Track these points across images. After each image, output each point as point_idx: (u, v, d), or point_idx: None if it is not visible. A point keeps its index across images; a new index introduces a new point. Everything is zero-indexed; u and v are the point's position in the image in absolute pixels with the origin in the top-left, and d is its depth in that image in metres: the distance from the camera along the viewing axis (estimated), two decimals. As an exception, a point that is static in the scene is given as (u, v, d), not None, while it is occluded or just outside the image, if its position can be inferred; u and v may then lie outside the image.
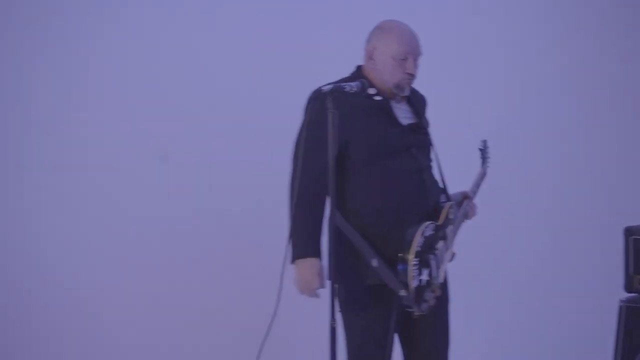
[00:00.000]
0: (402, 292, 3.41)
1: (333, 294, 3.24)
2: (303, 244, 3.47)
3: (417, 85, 3.65)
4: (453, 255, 3.66)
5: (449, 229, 3.60)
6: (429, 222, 3.49)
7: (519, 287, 4.89)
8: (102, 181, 4.91)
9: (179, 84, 4.94)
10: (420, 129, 3.65)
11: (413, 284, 3.41)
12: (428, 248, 3.48)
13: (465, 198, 3.78)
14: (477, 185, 3.89)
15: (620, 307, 4.06)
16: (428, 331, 3.61)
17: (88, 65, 4.93)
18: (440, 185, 3.69)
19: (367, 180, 3.52)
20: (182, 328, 4.95)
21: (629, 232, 4.07)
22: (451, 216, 3.61)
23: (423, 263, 3.45)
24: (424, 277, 3.46)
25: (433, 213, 3.56)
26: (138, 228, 4.91)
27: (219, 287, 4.93)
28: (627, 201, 4.81)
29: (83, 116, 4.92)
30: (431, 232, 3.49)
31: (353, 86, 3.27)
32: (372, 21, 4.90)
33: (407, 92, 3.60)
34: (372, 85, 3.54)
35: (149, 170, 4.92)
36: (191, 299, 4.94)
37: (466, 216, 3.76)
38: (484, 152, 4.00)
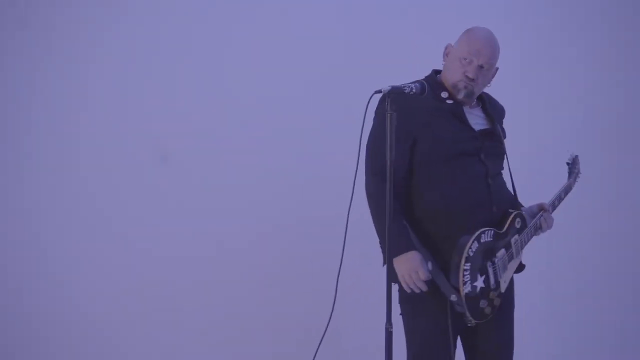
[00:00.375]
0: (453, 297, 3.42)
1: (389, 298, 3.22)
2: (395, 242, 3.40)
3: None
4: (522, 266, 3.63)
5: (514, 239, 3.56)
6: (487, 229, 3.47)
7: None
8: (102, 181, 4.90)
9: (180, 84, 4.93)
10: (492, 135, 3.63)
11: (464, 289, 3.40)
12: (485, 255, 3.46)
13: (540, 210, 3.71)
14: (559, 198, 3.81)
15: None
16: (490, 338, 3.60)
17: (88, 65, 4.91)
18: (514, 195, 3.67)
19: (431, 181, 3.54)
20: (183, 330, 4.95)
21: None
22: (518, 225, 3.58)
23: (478, 269, 3.44)
24: (480, 284, 3.44)
25: (497, 220, 3.54)
26: (139, 228, 4.90)
27: (221, 289, 4.93)
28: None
29: (83, 116, 4.91)
30: (490, 239, 3.47)
31: (413, 87, 3.27)
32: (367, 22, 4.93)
33: (461, 95, 3.57)
34: (444, 89, 3.58)
35: (149, 170, 4.91)
36: (190, 299, 4.94)
37: (539, 228, 3.69)
38: (572, 166, 3.94)
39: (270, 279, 4.92)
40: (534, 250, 4.47)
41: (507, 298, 3.61)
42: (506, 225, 3.54)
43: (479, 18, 4.76)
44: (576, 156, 3.98)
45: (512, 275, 3.60)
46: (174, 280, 4.92)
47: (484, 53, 3.55)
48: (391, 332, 3.19)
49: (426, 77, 3.62)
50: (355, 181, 3.37)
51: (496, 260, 3.50)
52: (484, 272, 3.46)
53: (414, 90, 3.26)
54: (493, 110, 3.71)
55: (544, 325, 5.00)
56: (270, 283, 4.91)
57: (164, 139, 4.92)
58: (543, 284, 4.98)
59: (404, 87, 3.26)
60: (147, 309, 4.91)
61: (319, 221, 4.80)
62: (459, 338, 3.62)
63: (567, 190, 3.87)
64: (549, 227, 3.71)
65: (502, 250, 3.53)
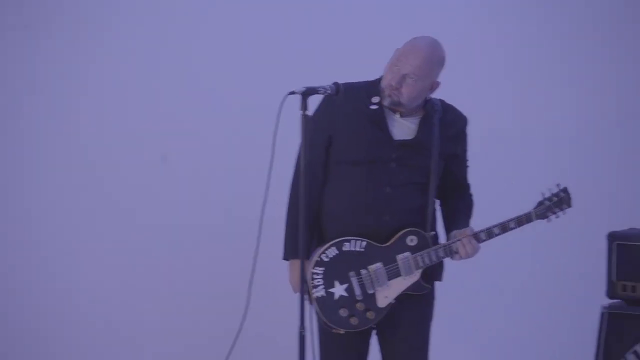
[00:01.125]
0: (306, 298, 3.40)
1: (303, 300, 3.24)
2: (289, 244, 3.56)
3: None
4: (421, 286, 3.47)
5: (401, 256, 3.45)
6: (355, 238, 3.45)
7: (501, 290, 4.85)
8: (101, 181, 4.94)
9: (180, 84, 4.95)
10: (415, 147, 3.50)
11: (314, 293, 3.44)
12: (348, 264, 3.44)
13: (463, 235, 3.46)
14: (504, 227, 3.46)
15: (602, 314, 3.96)
16: (399, 343, 3.56)
17: (88, 66, 4.95)
18: (425, 210, 3.52)
19: (335, 182, 3.54)
20: (187, 326, 4.97)
21: (612, 237, 3.95)
22: (411, 243, 3.46)
23: (336, 277, 3.44)
24: (339, 292, 3.44)
25: (389, 231, 3.47)
26: (138, 228, 4.92)
27: (222, 289, 4.93)
28: (611, 206, 4.77)
29: (83, 116, 4.95)
30: (359, 249, 3.44)
31: (327, 88, 3.27)
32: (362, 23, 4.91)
33: (386, 102, 3.49)
34: (378, 93, 3.53)
35: (149, 170, 4.93)
36: (191, 299, 4.95)
37: (455, 252, 3.46)
38: (547, 199, 3.51)
39: (270, 278, 4.91)
40: (532, 252, 4.44)
41: (418, 310, 3.55)
42: (392, 240, 3.47)
43: (479, 19, 4.79)
44: (564, 188, 3.54)
45: (401, 291, 3.47)
46: (174, 280, 4.94)
47: (409, 63, 3.42)
48: (304, 336, 3.21)
49: (373, 80, 3.57)
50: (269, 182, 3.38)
51: (363, 272, 3.45)
52: (345, 281, 3.44)
53: (328, 91, 3.26)
54: (443, 121, 3.55)
55: (542, 329, 4.96)
56: (271, 283, 4.91)
57: (163, 139, 4.93)
58: (541, 286, 4.94)
59: (318, 88, 3.25)
60: (147, 308, 4.92)
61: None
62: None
63: (521, 220, 3.48)
64: (469, 254, 3.45)
65: (378, 265, 3.45)
